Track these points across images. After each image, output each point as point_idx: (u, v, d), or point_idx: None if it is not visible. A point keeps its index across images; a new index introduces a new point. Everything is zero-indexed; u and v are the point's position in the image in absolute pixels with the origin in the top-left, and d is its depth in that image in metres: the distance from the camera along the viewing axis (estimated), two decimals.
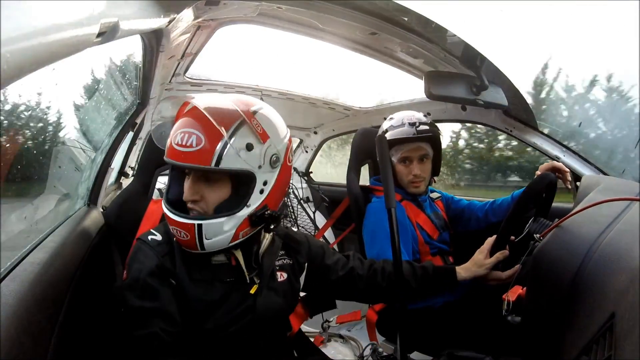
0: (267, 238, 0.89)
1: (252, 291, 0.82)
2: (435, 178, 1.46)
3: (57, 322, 0.63)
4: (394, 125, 1.34)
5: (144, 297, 0.73)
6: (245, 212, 0.75)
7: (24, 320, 0.52)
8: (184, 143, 0.71)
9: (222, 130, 0.70)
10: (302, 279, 0.96)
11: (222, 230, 0.74)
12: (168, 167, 1.09)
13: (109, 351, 0.83)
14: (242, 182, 0.76)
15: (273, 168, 0.77)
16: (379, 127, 1.44)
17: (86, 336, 0.77)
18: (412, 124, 1.31)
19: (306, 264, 0.95)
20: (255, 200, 0.76)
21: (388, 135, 1.32)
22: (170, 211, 0.75)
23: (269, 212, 0.78)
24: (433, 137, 1.35)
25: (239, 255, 0.82)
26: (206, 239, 0.73)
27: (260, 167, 0.75)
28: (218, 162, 0.70)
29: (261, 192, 0.77)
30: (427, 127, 1.32)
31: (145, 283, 0.74)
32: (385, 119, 1.44)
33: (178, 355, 0.72)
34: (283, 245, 0.93)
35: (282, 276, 0.90)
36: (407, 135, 1.29)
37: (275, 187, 0.79)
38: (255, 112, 0.77)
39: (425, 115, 1.34)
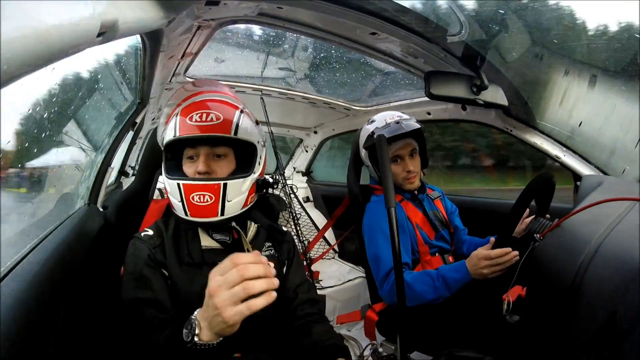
0: (251, 230, 0.96)
1: None
2: (425, 170, 1.47)
3: (57, 321, 0.63)
4: (379, 127, 1.34)
5: (138, 288, 0.78)
6: (253, 176, 0.88)
7: (24, 319, 0.52)
8: (203, 119, 0.82)
9: (238, 103, 0.89)
10: (283, 271, 0.98)
11: (240, 191, 0.85)
12: None
13: (108, 350, 0.83)
14: (246, 155, 0.88)
15: (263, 147, 0.94)
16: None
17: (86, 335, 0.77)
18: (397, 122, 1.32)
19: (286, 261, 0.98)
20: (257, 170, 0.90)
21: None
22: (191, 179, 0.81)
23: (262, 179, 0.92)
24: (419, 131, 1.35)
25: (241, 231, 0.88)
26: (227, 200, 0.82)
27: (258, 142, 0.90)
28: (236, 132, 0.84)
29: (259, 164, 0.90)
30: (412, 122, 1.33)
31: (140, 274, 0.79)
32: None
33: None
34: (268, 237, 0.98)
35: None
36: (398, 132, 1.29)
37: (264, 163, 0.94)
38: (244, 106, 0.93)
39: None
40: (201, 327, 0.62)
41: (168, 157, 0.88)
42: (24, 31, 0.32)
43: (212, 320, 0.60)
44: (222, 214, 0.82)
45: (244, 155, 0.89)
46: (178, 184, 0.81)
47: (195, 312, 0.65)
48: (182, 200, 0.81)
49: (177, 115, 0.85)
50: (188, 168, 0.85)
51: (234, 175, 0.85)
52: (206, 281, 0.78)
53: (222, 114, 0.83)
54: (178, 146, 0.86)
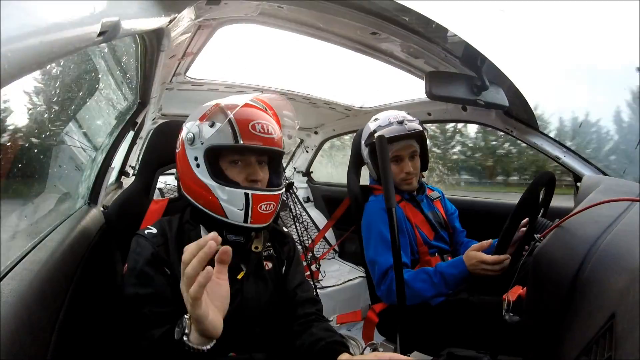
0: None
1: (240, 277, 0.87)
2: (424, 173, 1.47)
3: (57, 320, 0.63)
4: (381, 125, 1.34)
5: (139, 284, 0.78)
6: (284, 182, 0.97)
7: (24, 318, 0.52)
8: (266, 131, 0.85)
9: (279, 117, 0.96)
10: (282, 271, 0.98)
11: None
12: (169, 167, 1.10)
13: (109, 349, 0.83)
14: (277, 162, 0.95)
15: None
16: None
17: (86, 335, 0.77)
18: (400, 122, 1.31)
19: (285, 261, 0.99)
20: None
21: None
22: (260, 190, 0.86)
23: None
24: (421, 133, 1.35)
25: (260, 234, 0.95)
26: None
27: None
28: (283, 147, 0.90)
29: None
30: (415, 124, 1.33)
31: (142, 271, 0.79)
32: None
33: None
34: (270, 237, 0.99)
35: (267, 265, 0.94)
36: (399, 133, 1.29)
37: None
38: None
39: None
40: (191, 328, 0.63)
41: (211, 160, 0.85)
42: (24, 30, 0.32)
43: (192, 318, 0.61)
44: (271, 219, 0.89)
45: (277, 163, 0.96)
46: (246, 194, 0.83)
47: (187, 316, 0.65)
48: (246, 209, 0.83)
49: (228, 119, 0.83)
50: (236, 174, 0.86)
51: (271, 179, 0.92)
52: None
53: (278, 126, 0.90)
54: (218, 150, 0.85)
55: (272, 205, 0.87)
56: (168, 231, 0.87)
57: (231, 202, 0.83)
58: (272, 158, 0.93)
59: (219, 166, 0.86)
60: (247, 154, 0.86)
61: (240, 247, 0.89)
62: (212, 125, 0.84)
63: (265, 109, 0.93)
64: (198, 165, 0.85)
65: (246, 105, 0.88)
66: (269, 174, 0.92)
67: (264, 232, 0.98)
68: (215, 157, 0.86)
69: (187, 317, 0.64)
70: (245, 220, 0.84)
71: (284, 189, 0.92)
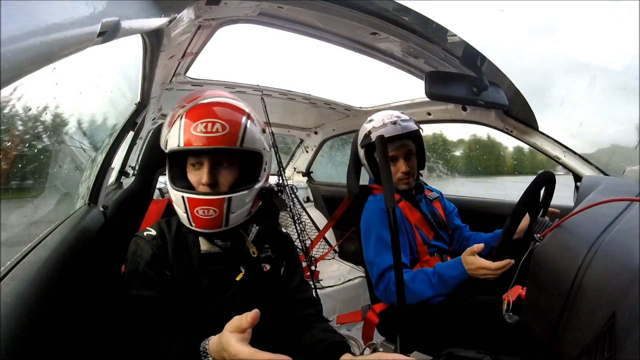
0: (253, 231, 0.96)
1: (238, 278, 0.87)
2: (422, 172, 1.47)
3: (57, 320, 0.63)
4: (376, 127, 1.33)
5: (141, 287, 0.78)
6: (258, 185, 0.87)
7: (24, 319, 0.52)
8: (209, 130, 0.79)
9: (242, 118, 0.83)
10: (281, 272, 0.98)
11: (244, 202, 0.84)
12: None
13: (109, 349, 0.83)
14: (251, 163, 0.87)
15: (269, 152, 0.92)
16: None
17: (86, 334, 0.77)
18: (394, 123, 1.31)
19: (284, 262, 0.99)
20: (263, 177, 0.89)
21: (372, 137, 1.32)
22: (196, 193, 0.81)
23: (267, 185, 0.91)
24: (416, 133, 1.35)
25: (246, 237, 0.91)
26: (232, 212, 0.82)
27: (264, 149, 0.88)
28: (242, 142, 0.81)
29: (264, 170, 0.89)
30: (410, 124, 1.32)
31: (143, 273, 0.80)
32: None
33: (169, 339, 0.75)
34: (268, 239, 0.98)
35: (265, 267, 0.94)
36: (393, 133, 1.28)
37: (269, 168, 0.93)
38: (250, 111, 0.90)
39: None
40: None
41: (173, 163, 0.86)
42: (24, 30, 0.32)
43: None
44: (227, 225, 0.83)
45: (249, 163, 0.87)
46: (182, 197, 0.81)
47: (207, 345, 0.69)
48: (186, 212, 0.81)
49: (181, 119, 0.81)
50: (193, 176, 0.84)
51: (238, 184, 0.84)
52: (204, 286, 0.83)
53: (229, 123, 0.80)
54: (182, 153, 0.84)
55: (211, 211, 0.80)
56: (167, 233, 0.87)
57: (178, 205, 0.83)
58: (238, 157, 0.85)
59: (179, 170, 0.86)
60: (201, 156, 0.82)
61: (233, 250, 0.89)
62: (168, 132, 0.85)
63: (233, 105, 0.86)
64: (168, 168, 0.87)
65: (198, 106, 0.83)
66: (240, 175, 0.85)
67: (261, 233, 0.97)
68: (177, 160, 0.86)
69: (207, 351, 0.68)
70: (190, 224, 0.82)
71: (234, 195, 0.81)
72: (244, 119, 0.83)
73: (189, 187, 0.83)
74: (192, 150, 0.81)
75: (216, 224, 0.82)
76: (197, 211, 0.80)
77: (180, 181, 0.85)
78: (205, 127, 0.79)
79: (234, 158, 0.84)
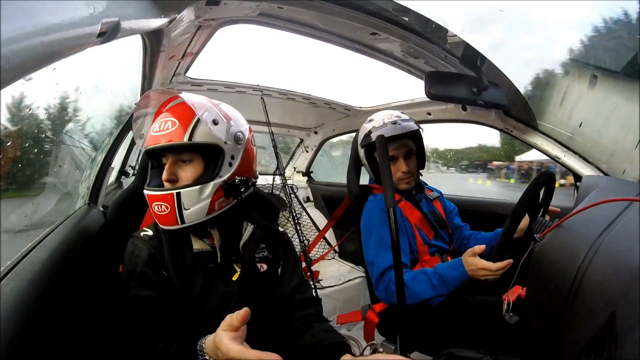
0: (248, 230, 0.95)
1: (234, 278, 0.88)
2: (422, 171, 1.47)
3: (57, 320, 0.63)
4: (376, 127, 1.33)
5: (139, 287, 0.79)
6: (217, 180, 0.84)
7: (24, 318, 0.52)
8: (160, 129, 0.82)
9: (194, 109, 0.81)
10: (278, 272, 0.98)
11: (199, 198, 0.82)
12: None
13: (109, 349, 0.83)
14: (213, 157, 0.85)
15: (238, 144, 0.87)
16: None
17: (86, 334, 0.77)
18: (394, 122, 1.31)
19: (281, 262, 0.98)
20: (226, 172, 0.85)
21: (372, 137, 1.32)
22: (149, 189, 0.84)
23: (238, 179, 0.87)
24: (416, 132, 1.35)
25: (215, 234, 0.89)
26: (185, 209, 0.81)
27: (226, 142, 0.84)
28: (191, 137, 0.80)
29: (230, 165, 0.86)
30: (410, 123, 1.33)
31: (141, 273, 0.80)
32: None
33: (168, 339, 0.75)
34: (264, 238, 0.98)
35: (262, 267, 0.94)
36: (393, 133, 1.28)
37: (242, 161, 0.88)
38: (219, 103, 0.90)
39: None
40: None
41: (153, 164, 0.91)
42: (24, 31, 0.32)
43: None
44: (182, 222, 0.82)
45: (210, 158, 0.85)
46: (144, 194, 0.85)
47: (204, 343, 0.69)
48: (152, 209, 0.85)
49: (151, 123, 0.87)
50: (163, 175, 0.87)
51: (200, 179, 0.83)
52: (199, 284, 0.84)
53: (179, 120, 0.81)
54: (153, 153, 0.88)
55: (163, 207, 0.81)
56: (162, 233, 0.88)
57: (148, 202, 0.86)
58: (200, 153, 0.84)
59: (160, 170, 0.88)
60: (164, 154, 0.86)
61: (224, 248, 0.90)
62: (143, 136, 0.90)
63: (188, 103, 0.84)
64: None
65: (160, 109, 0.89)
66: (204, 169, 0.85)
67: (257, 233, 0.96)
68: (158, 162, 0.90)
69: (204, 350, 0.68)
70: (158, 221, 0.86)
71: (182, 190, 0.81)
72: (199, 112, 0.82)
73: (160, 184, 0.87)
74: (148, 150, 0.85)
75: (170, 220, 0.82)
76: (154, 207, 0.83)
77: (156, 180, 0.88)
78: (159, 126, 0.82)
79: (194, 154, 0.84)
